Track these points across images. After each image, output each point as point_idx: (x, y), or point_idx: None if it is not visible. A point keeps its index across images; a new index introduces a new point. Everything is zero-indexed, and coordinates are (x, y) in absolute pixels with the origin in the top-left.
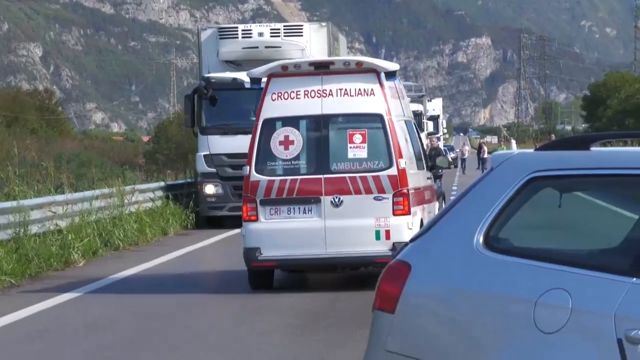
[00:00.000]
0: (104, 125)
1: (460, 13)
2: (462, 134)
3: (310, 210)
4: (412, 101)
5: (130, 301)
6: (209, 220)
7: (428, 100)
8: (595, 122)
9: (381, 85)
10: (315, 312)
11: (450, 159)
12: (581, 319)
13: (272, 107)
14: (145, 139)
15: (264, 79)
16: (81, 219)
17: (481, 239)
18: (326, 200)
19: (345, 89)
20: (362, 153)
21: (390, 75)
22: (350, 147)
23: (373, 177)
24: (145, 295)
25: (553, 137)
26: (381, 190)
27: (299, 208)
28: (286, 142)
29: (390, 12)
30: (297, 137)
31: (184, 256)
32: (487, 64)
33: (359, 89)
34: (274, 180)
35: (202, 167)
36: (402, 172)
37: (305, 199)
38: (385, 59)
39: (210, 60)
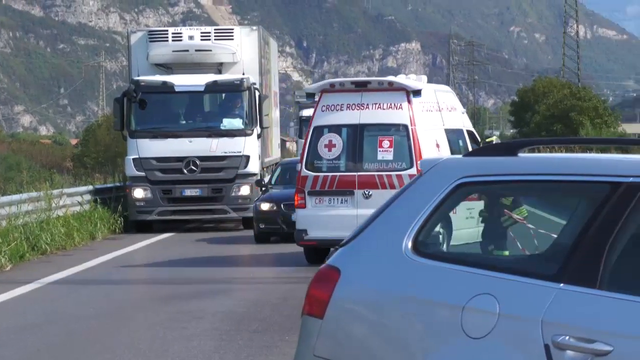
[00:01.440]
0: (32, 129)
1: (390, 18)
2: None
3: (346, 201)
4: None
5: (58, 306)
6: (138, 224)
7: None
8: (524, 128)
9: (409, 101)
10: (243, 317)
11: None
12: (508, 325)
13: (322, 117)
14: (74, 142)
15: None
16: (8, 222)
17: (410, 244)
18: (358, 193)
19: (379, 104)
20: (389, 156)
21: (416, 93)
22: (380, 151)
23: (396, 175)
24: (74, 300)
25: (496, 139)
26: (402, 186)
27: (338, 199)
28: (330, 145)
29: (321, 17)
30: (338, 141)
31: (112, 261)
32: (417, 69)
33: (390, 104)
34: (319, 176)
35: (131, 170)
36: (420, 172)
37: (343, 191)
38: (315, 63)
39: (140, 63)
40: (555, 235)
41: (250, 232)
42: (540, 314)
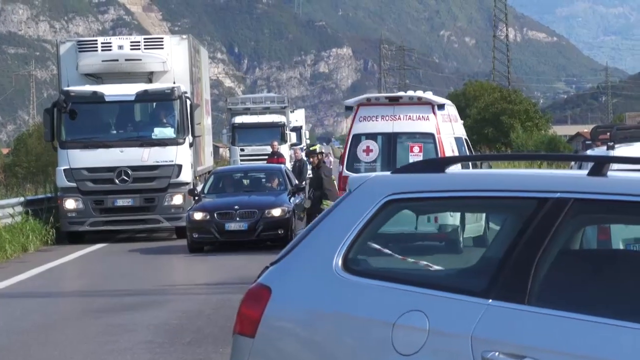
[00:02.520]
0: None
1: (321, 23)
2: (325, 144)
3: None
4: (274, 112)
5: None
6: (70, 235)
7: (291, 111)
8: None
9: (434, 113)
10: (177, 329)
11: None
12: (438, 341)
13: (360, 126)
14: (5, 151)
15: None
16: None
17: (340, 262)
18: None
19: (409, 115)
20: (419, 159)
21: (440, 106)
22: (411, 155)
23: None
24: (5, 314)
25: (319, 147)
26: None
27: None
28: (367, 150)
29: (251, 23)
30: (375, 147)
31: (44, 273)
32: (349, 74)
33: (419, 115)
34: None
35: (62, 181)
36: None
37: None
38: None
39: (69, 73)
40: (484, 250)
41: (183, 242)
42: (469, 330)
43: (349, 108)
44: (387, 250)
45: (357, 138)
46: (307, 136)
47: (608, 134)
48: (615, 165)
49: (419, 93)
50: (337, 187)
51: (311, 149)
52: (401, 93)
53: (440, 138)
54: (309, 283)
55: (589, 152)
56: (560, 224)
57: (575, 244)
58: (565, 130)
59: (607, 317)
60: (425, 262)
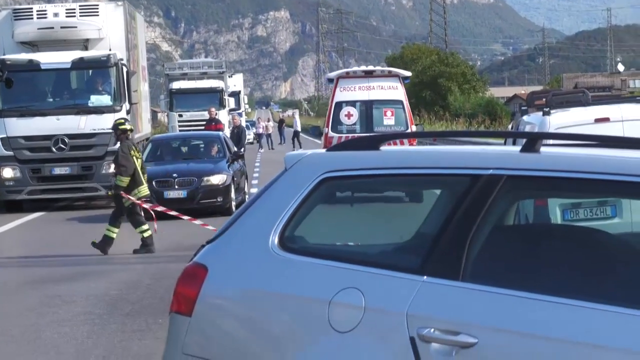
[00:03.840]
0: None
1: None
2: (264, 108)
3: None
4: (212, 77)
5: None
6: (7, 204)
7: (229, 76)
8: None
9: (401, 84)
10: (116, 299)
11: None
12: (374, 318)
13: (341, 95)
14: None
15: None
16: None
17: (276, 240)
18: None
19: (382, 85)
20: (391, 121)
21: (405, 78)
22: (385, 118)
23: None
24: None
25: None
26: (402, 142)
27: None
28: (348, 115)
29: None
30: (354, 112)
31: None
32: (287, 38)
33: (389, 85)
34: (341, 137)
35: None
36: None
37: None
38: (184, 33)
39: (5, 41)
40: (418, 227)
41: None
42: (405, 307)
43: (330, 80)
44: (322, 228)
45: (339, 105)
46: (246, 101)
47: (544, 99)
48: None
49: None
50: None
51: (116, 122)
52: (374, 67)
53: (407, 104)
54: (245, 261)
55: (525, 117)
56: (494, 200)
57: (509, 219)
58: (502, 92)
59: (542, 294)
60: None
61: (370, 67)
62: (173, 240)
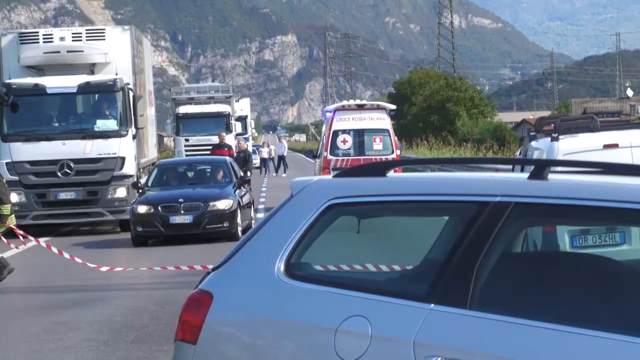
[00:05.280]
0: None
1: (266, 10)
2: (271, 132)
3: None
4: (219, 102)
5: None
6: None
7: (236, 101)
8: (401, 120)
9: (388, 115)
10: (121, 326)
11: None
12: (381, 347)
13: (338, 125)
14: None
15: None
16: None
17: (282, 267)
18: None
19: (371, 117)
20: (379, 146)
21: (392, 111)
22: (374, 144)
23: (385, 158)
24: None
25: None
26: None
27: None
28: (344, 141)
29: (195, 10)
30: (349, 139)
31: None
32: (294, 62)
33: (377, 117)
34: (338, 159)
35: (5, 175)
36: (397, 156)
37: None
38: (191, 57)
39: (11, 65)
40: (425, 253)
41: (127, 235)
42: (412, 335)
43: (328, 112)
44: (329, 255)
45: (336, 133)
46: (253, 125)
47: (552, 125)
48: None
49: (377, 102)
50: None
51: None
52: (365, 102)
53: (392, 132)
54: (251, 289)
55: (533, 143)
56: (501, 227)
57: (517, 246)
58: (510, 117)
59: (549, 322)
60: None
61: (363, 102)
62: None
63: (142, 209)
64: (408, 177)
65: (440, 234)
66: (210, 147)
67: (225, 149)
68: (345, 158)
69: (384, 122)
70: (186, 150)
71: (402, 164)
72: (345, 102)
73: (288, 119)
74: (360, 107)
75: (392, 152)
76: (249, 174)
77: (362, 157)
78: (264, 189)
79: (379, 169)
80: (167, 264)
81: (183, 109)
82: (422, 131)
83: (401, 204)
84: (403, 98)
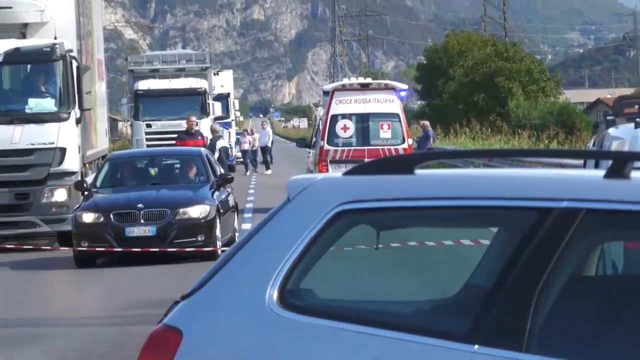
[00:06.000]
0: None
1: None
2: (261, 116)
3: None
4: (192, 75)
5: None
6: None
7: (215, 74)
8: (434, 99)
9: (398, 97)
10: (90, 350)
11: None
12: None
13: (337, 108)
14: None
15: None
16: None
17: (275, 295)
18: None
19: (378, 98)
20: (388, 134)
21: (402, 90)
22: (381, 131)
23: (394, 148)
24: None
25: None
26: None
27: (352, 165)
28: (344, 128)
29: None
30: (351, 125)
31: None
32: (292, 23)
33: (385, 98)
34: (337, 150)
35: None
36: (409, 147)
37: (356, 160)
38: (155, 15)
39: None
40: (468, 277)
41: (69, 253)
42: None
43: (325, 93)
44: (338, 279)
45: (335, 118)
46: (237, 107)
47: (636, 107)
48: None
49: (385, 81)
50: None
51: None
52: (370, 80)
53: (404, 117)
54: (233, 323)
55: (611, 131)
56: (569, 242)
57: (590, 268)
58: (581, 97)
59: None
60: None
61: (367, 80)
62: (137, 293)
63: (88, 218)
64: (444, 176)
65: (486, 251)
66: (176, 137)
67: (199, 137)
68: (346, 149)
69: (393, 104)
70: (148, 140)
71: (437, 157)
72: (346, 81)
73: (284, 98)
74: (365, 87)
75: (403, 142)
76: (230, 175)
77: (366, 148)
78: (251, 190)
79: (405, 163)
80: (121, 292)
81: (144, 85)
82: (462, 115)
83: (435, 210)
84: (437, 71)
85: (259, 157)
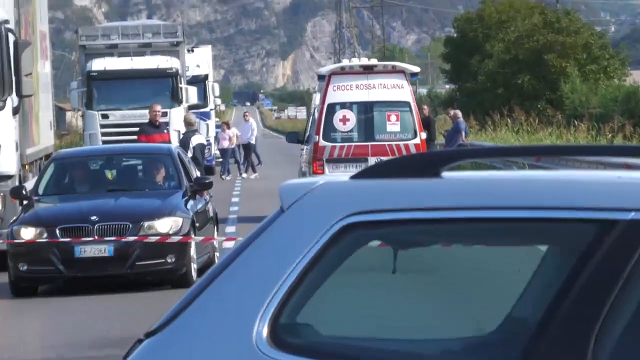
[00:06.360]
0: None
1: None
2: (248, 104)
3: (361, 167)
4: (160, 52)
5: None
6: None
7: (189, 50)
8: (467, 82)
9: (408, 82)
10: None
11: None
12: None
13: (334, 95)
14: None
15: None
16: None
17: (265, 331)
18: (372, 160)
19: (384, 84)
20: (396, 127)
21: (414, 75)
22: (388, 124)
23: (404, 144)
24: None
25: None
26: (409, 153)
27: (353, 165)
28: (344, 120)
29: None
30: (351, 116)
31: None
32: None
33: (393, 84)
34: (335, 146)
35: None
36: (422, 142)
37: (357, 159)
38: None
39: None
40: (511, 307)
41: (3, 277)
42: None
43: (321, 77)
44: (345, 311)
45: (332, 107)
46: (217, 92)
47: None
48: None
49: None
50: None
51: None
52: (375, 61)
53: (415, 106)
54: None
55: None
56: (638, 262)
57: None
58: None
59: None
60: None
61: (371, 61)
62: (90, 330)
63: (28, 234)
64: (479, 180)
65: (533, 275)
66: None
67: (165, 131)
68: (346, 145)
69: (403, 91)
70: (104, 134)
71: (470, 155)
72: (345, 63)
73: (277, 81)
74: (368, 70)
75: (415, 136)
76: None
77: (369, 144)
78: (235, 199)
79: (429, 163)
80: (69, 327)
81: (99, 64)
82: (502, 101)
83: (467, 224)
84: (470, 46)
85: (241, 157)
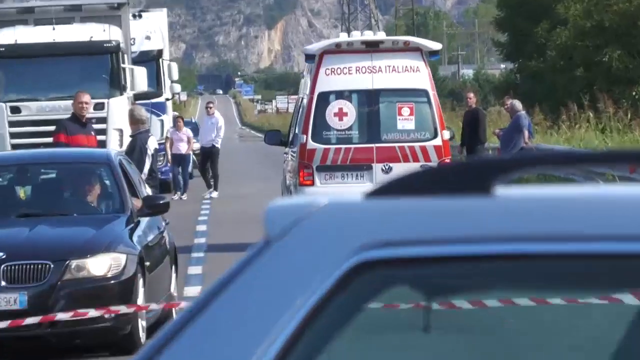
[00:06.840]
0: None
1: None
2: (220, 92)
3: (362, 176)
4: (92, 20)
5: None
6: None
7: (136, 15)
8: (530, 60)
9: (425, 63)
10: None
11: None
12: None
13: (326, 82)
14: None
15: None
16: None
17: None
18: (377, 167)
19: (393, 66)
20: (410, 124)
21: (434, 53)
22: (399, 119)
23: (420, 147)
24: None
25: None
26: (427, 159)
27: (352, 174)
28: (340, 114)
29: None
30: (350, 109)
31: None
32: None
33: (406, 66)
34: (329, 149)
35: None
36: (445, 143)
37: (359, 166)
38: None
39: None
40: None
41: None
42: None
43: (309, 57)
44: None
45: (324, 98)
46: (175, 75)
47: None
48: None
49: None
50: None
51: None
52: (381, 36)
53: (436, 95)
54: None
55: None
56: None
57: None
58: None
59: None
60: None
61: (377, 36)
62: None
63: None
64: (549, 199)
65: (627, 332)
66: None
67: (92, 132)
68: (343, 147)
69: (418, 75)
70: (14, 135)
71: (536, 163)
72: (341, 38)
73: (260, 59)
74: (373, 47)
75: (436, 136)
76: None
77: (375, 145)
78: (201, 227)
79: (476, 175)
80: None
81: (7, 37)
82: (582, 87)
83: (530, 261)
84: (535, 7)
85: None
